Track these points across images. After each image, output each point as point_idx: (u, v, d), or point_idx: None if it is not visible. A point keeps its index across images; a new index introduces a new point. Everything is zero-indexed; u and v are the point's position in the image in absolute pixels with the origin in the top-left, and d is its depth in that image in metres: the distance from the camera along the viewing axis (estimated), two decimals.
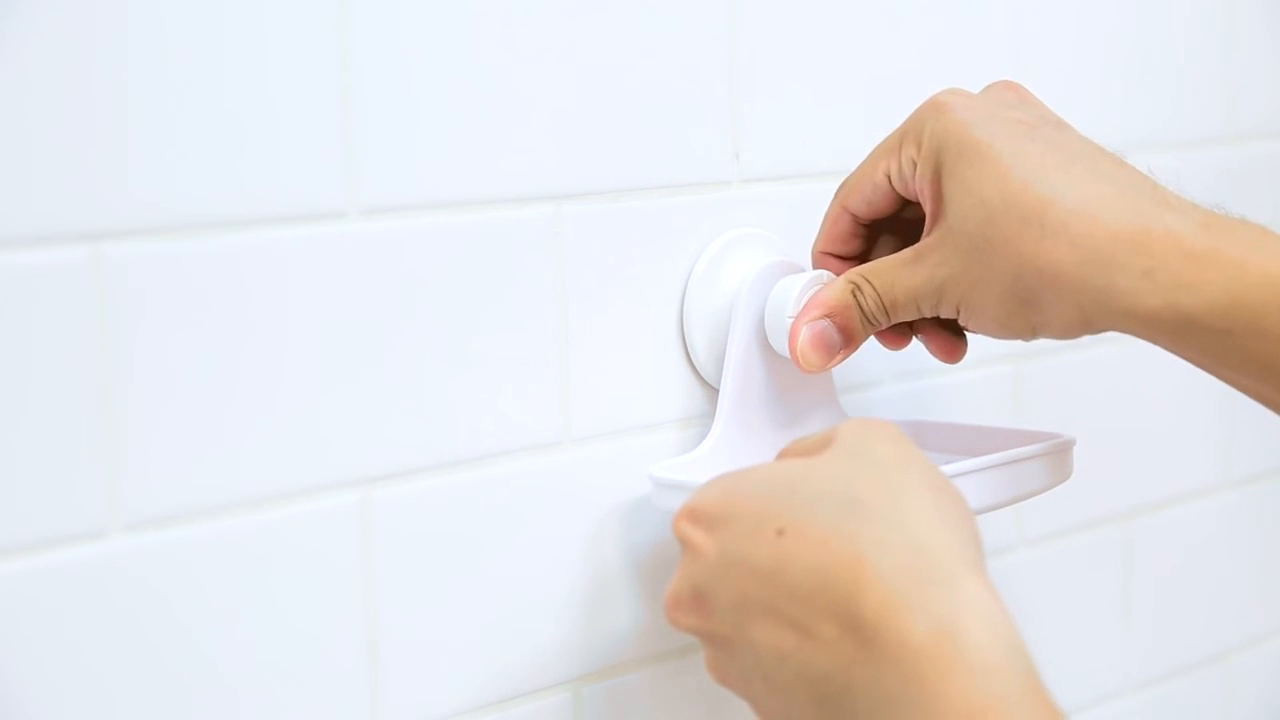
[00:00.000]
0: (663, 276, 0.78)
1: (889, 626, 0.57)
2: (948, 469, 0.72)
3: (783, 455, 0.66)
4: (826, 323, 0.75)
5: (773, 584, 0.60)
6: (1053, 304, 0.70)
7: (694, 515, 0.64)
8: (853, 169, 0.77)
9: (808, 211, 0.82)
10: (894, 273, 0.74)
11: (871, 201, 0.76)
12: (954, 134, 0.72)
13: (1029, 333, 0.72)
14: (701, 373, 0.80)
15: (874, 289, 0.74)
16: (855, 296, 0.74)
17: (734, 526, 0.62)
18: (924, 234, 0.73)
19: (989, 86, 0.76)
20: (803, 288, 0.76)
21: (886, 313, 0.74)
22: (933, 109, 0.73)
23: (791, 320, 0.76)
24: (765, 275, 0.78)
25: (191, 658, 0.66)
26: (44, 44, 0.61)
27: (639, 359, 0.78)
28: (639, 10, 0.76)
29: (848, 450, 0.63)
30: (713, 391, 0.80)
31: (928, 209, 0.73)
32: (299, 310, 0.68)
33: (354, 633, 0.70)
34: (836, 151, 0.84)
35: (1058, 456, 0.77)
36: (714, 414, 0.78)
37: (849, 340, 0.75)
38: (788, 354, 0.76)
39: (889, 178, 0.75)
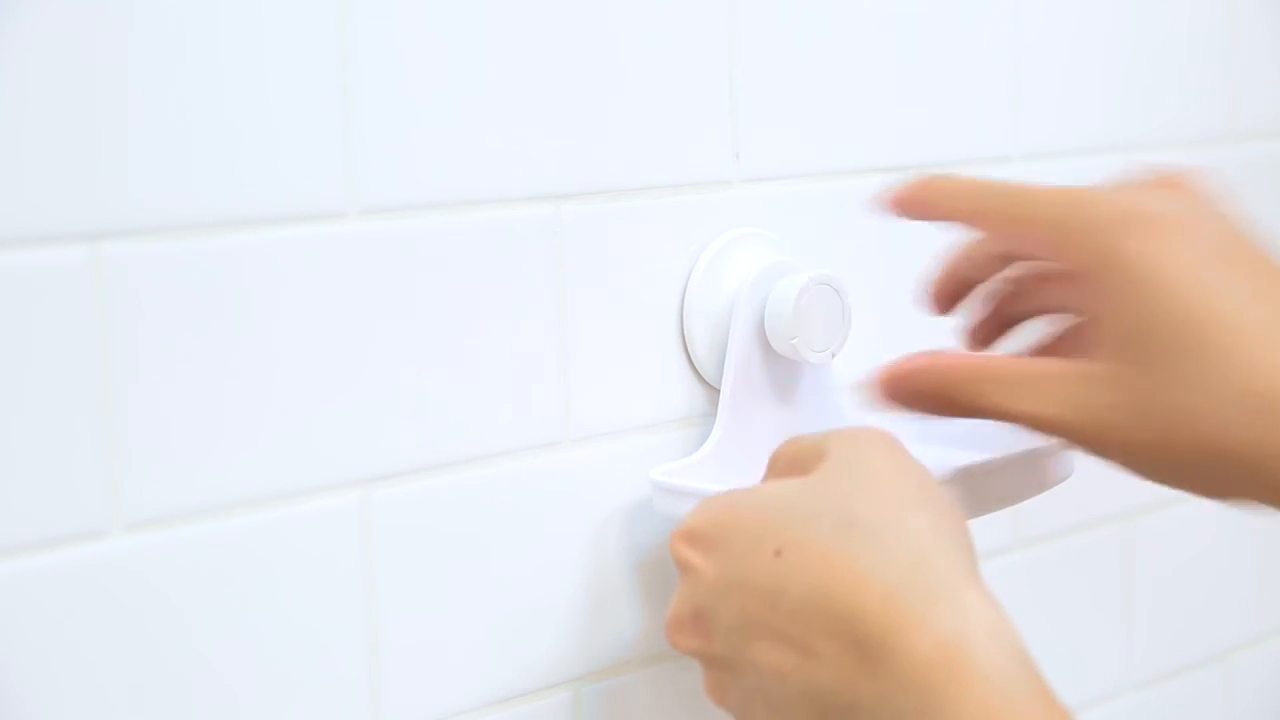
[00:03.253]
0: (663, 276, 0.78)
1: (894, 643, 0.57)
2: (947, 472, 0.71)
3: (772, 463, 0.66)
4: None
5: (772, 604, 0.60)
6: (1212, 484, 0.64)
7: (690, 537, 0.64)
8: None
9: (808, 211, 0.83)
10: (1031, 399, 0.66)
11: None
12: (1146, 319, 0.62)
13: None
14: (701, 373, 0.80)
15: (1003, 409, 0.67)
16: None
17: (731, 547, 0.62)
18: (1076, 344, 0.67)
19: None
20: (802, 288, 0.76)
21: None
22: (1120, 272, 0.63)
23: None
24: (765, 275, 0.78)
25: (192, 658, 0.66)
26: (44, 44, 0.61)
27: (639, 359, 0.78)
28: (639, 10, 0.76)
29: (841, 465, 0.62)
30: (713, 391, 0.80)
31: (1090, 339, 0.65)
32: (299, 310, 0.68)
33: (354, 633, 0.70)
34: (837, 151, 0.84)
35: (1057, 456, 0.77)
36: (714, 414, 0.78)
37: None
38: (788, 354, 0.77)
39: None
